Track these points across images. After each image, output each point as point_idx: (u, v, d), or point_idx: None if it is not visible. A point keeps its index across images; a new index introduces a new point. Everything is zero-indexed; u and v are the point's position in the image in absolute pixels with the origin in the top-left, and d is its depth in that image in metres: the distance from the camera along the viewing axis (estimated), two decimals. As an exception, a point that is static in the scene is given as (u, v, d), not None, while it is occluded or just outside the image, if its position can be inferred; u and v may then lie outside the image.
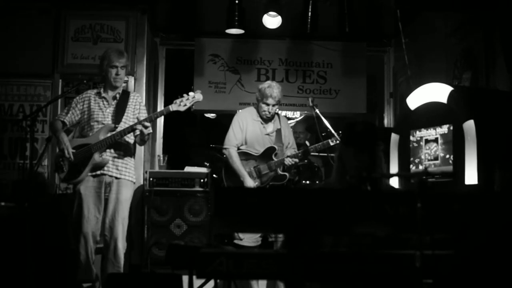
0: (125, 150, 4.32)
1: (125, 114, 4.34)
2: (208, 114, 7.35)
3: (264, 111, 4.76)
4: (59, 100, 5.52)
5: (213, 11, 6.07)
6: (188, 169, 5.50)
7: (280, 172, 4.76)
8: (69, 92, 5.32)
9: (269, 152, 4.77)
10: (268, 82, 4.90)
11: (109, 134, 4.20)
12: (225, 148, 4.85)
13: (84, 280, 4.21)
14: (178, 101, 4.18)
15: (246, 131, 4.81)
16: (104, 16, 5.73)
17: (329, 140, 4.75)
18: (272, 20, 5.83)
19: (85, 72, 5.47)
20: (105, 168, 4.23)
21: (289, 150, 4.85)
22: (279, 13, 5.72)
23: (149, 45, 5.98)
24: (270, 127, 4.86)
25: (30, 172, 4.51)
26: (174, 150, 6.57)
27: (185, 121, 7.51)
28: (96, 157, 4.18)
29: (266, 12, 5.76)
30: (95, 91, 4.46)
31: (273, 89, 4.71)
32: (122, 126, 4.26)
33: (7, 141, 5.57)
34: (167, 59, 6.76)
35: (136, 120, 4.30)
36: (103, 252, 4.31)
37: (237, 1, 5.58)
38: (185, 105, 4.15)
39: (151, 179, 5.21)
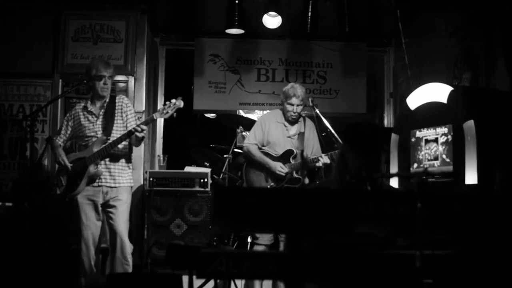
0: (120, 158, 4.36)
1: (115, 123, 4.35)
2: (208, 114, 7.34)
3: (289, 111, 4.77)
4: (59, 100, 5.53)
5: (213, 11, 6.07)
6: (188, 169, 5.50)
7: (295, 175, 4.78)
8: (69, 92, 5.33)
9: (287, 155, 4.78)
10: (291, 83, 4.93)
11: (102, 146, 4.24)
12: (244, 146, 4.93)
13: (91, 285, 4.23)
14: (161, 109, 4.20)
15: (268, 133, 4.84)
16: (104, 16, 5.73)
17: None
18: (272, 20, 5.83)
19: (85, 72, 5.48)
20: (102, 179, 4.28)
21: (313, 155, 4.83)
22: (279, 13, 5.72)
23: (149, 45, 5.98)
24: (293, 129, 4.87)
25: (30, 172, 4.51)
26: (174, 150, 6.57)
27: (185, 121, 7.51)
28: (91, 169, 4.24)
29: (266, 12, 5.76)
30: (82, 105, 4.45)
31: (296, 89, 4.75)
32: (114, 135, 4.30)
33: (7, 141, 5.58)
34: (167, 59, 6.76)
35: (126, 126, 4.35)
36: (111, 253, 4.32)
37: (237, 1, 5.58)
38: (167, 112, 4.16)
39: (151, 179, 5.21)
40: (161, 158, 5.72)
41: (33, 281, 4.23)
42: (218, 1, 5.75)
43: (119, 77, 5.52)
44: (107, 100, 4.41)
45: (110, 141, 4.23)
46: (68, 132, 4.44)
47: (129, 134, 4.20)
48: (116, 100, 4.43)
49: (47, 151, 5.44)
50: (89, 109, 4.39)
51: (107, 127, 4.32)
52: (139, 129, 4.13)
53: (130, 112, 4.45)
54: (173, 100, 4.18)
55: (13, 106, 5.61)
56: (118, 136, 4.26)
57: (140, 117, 5.06)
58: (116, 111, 4.38)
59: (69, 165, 4.28)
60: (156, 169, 5.82)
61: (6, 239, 4.52)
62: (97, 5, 5.74)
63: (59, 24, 5.68)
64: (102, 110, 4.38)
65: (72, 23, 5.70)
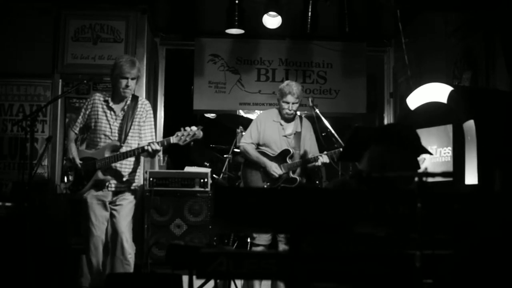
0: (130, 160, 4.32)
1: (131, 130, 4.28)
2: (208, 114, 7.35)
3: (284, 109, 4.74)
4: (59, 100, 5.53)
5: (213, 11, 6.07)
6: (188, 169, 5.50)
7: (291, 175, 4.77)
8: (69, 92, 5.33)
9: (284, 154, 4.77)
10: (287, 81, 4.90)
11: (113, 154, 4.19)
12: (240, 145, 4.91)
13: (96, 285, 4.22)
14: (179, 134, 4.08)
15: (264, 132, 4.82)
16: (104, 16, 5.73)
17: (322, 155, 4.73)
18: (272, 20, 5.83)
19: (85, 72, 5.48)
20: (111, 182, 4.25)
21: (310, 155, 4.82)
22: (279, 13, 5.72)
23: (149, 45, 5.98)
24: (289, 129, 4.84)
25: (30, 172, 4.50)
26: (174, 150, 6.56)
27: (185, 121, 7.50)
28: (100, 174, 4.19)
29: (266, 12, 5.76)
30: (102, 98, 4.33)
31: (291, 86, 4.70)
32: (128, 142, 4.25)
33: (7, 141, 5.58)
34: (167, 59, 6.76)
35: (140, 135, 4.32)
36: (111, 252, 4.32)
37: (237, 1, 5.58)
38: (185, 140, 4.07)
39: (151, 179, 5.21)
40: (161, 158, 5.72)
41: (33, 281, 4.23)
42: (218, 1, 5.75)
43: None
44: (129, 101, 4.30)
45: (122, 151, 4.18)
46: (85, 120, 4.34)
47: (142, 150, 4.15)
48: (139, 105, 4.33)
49: (47, 151, 5.44)
50: (110, 105, 4.28)
51: (123, 132, 4.25)
52: (150, 149, 4.08)
53: (148, 121, 4.37)
54: (193, 128, 4.07)
55: (13, 106, 5.61)
56: (132, 144, 4.24)
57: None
58: (135, 117, 4.29)
59: (79, 163, 4.22)
60: (156, 169, 5.82)
61: (6, 239, 4.52)
62: (97, 5, 5.74)
63: (59, 24, 5.68)
64: (122, 112, 4.28)
65: (72, 23, 5.70)
